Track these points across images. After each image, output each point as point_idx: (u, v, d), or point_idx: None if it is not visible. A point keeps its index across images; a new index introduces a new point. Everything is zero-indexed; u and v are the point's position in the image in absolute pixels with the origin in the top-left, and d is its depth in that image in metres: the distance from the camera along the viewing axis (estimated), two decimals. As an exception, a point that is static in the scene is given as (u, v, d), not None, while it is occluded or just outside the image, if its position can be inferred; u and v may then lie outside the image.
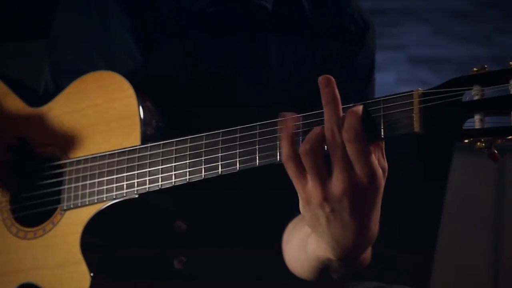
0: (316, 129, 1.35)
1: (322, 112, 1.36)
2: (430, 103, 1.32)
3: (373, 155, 1.34)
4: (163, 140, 1.57)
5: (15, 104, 1.77)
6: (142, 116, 1.61)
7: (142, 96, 1.63)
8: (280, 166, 1.40)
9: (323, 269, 1.52)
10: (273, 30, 1.75)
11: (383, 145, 1.38)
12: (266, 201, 1.74)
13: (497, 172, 3.44)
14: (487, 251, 3.46)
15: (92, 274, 1.59)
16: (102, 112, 1.65)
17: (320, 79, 1.35)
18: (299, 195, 1.38)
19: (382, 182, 1.36)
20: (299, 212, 1.61)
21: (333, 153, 1.34)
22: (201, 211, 1.70)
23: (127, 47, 1.73)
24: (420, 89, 1.35)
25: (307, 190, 1.36)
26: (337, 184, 1.33)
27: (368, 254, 1.51)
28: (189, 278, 1.69)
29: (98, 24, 1.76)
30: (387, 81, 3.82)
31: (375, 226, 1.40)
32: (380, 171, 1.35)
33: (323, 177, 1.34)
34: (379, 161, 1.36)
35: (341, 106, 1.35)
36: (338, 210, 1.35)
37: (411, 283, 1.76)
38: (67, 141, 1.68)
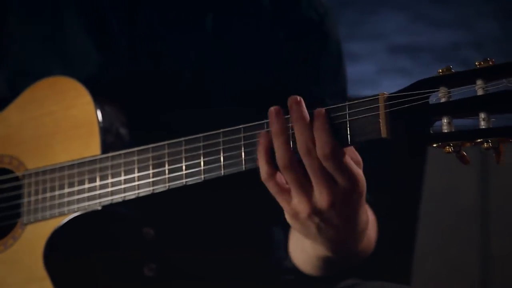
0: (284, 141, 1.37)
1: None
2: (396, 108, 1.33)
3: (349, 160, 1.36)
4: (126, 147, 1.57)
5: None
6: (101, 123, 1.61)
7: (101, 101, 1.63)
8: (254, 172, 1.42)
9: (328, 265, 1.58)
10: (234, 9, 1.76)
11: None
12: (234, 202, 1.76)
13: (481, 163, 3.47)
14: (474, 244, 3.49)
15: (57, 290, 1.60)
16: (59, 120, 1.65)
17: (290, 99, 1.36)
18: (284, 209, 1.41)
19: (362, 179, 1.38)
20: (269, 213, 1.64)
21: (311, 169, 1.36)
22: (168, 215, 1.71)
23: (85, 48, 1.74)
24: (385, 92, 1.36)
25: (293, 205, 1.38)
26: (322, 198, 1.36)
27: (367, 243, 1.57)
28: (161, 285, 1.70)
29: (53, 26, 1.77)
30: (367, 71, 3.83)
31: (364, 215, 1.44)
32: (359, 173, 1.37)
33: (308, 191, 1.37)
34: (354, 156, 1.38)
35: (308, 120, 1.36)
36: (327, 218, 1.38)
37: (392, 279, 1.78)
38: (24, 151, 1.68)
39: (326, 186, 1.35)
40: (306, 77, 1.78)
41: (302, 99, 1.36)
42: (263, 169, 1.38)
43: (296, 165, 1.36)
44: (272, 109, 1.37)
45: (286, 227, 1.86)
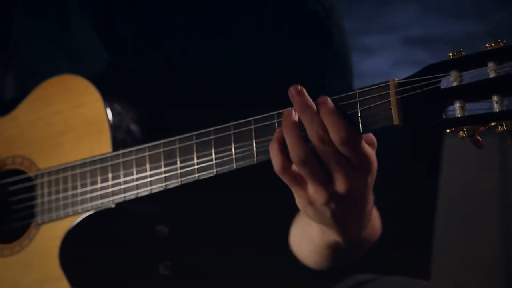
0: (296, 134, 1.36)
1: None
2: (407, 93, 1.32)
3: (363, 142, 1.35)
4: (136, 144, 1.57)
5: None
6: (111, 120, 1.61)
7: (110, 98, 1.63)
8: (267, 168, 1.41)
9: (336, 253, 1.57)
10: (239, 6, 1.76)
11: None
12: (249, 201, 1.75)
13: (500, 152, 3.45)
14: (495, 236, 3.46)
15: (73, 289, 1.61)
16: (69, 118, 1.65)
17: (290, 89, 1.36)
18: (299, 197, 1.40)
19: (375, 160, 1.37)
20: (283, 213, 1.63)
21: (326, 156, 1.35)
22: (182, 213, 1.71)
23: (93, 46, 1.74)
24: (396, 79, 1.35)
25: (309, 194, 1.38)
26: (340, 184, 1.35)
27: (372, 227, 1.56)
28: (177, 283, 1.70)
29: (61, 25, 1.77)
30: (382, 64, 3.82)
31: (371, 195, 1.43)
32: (373, 154, 1.36)
33: (325, 181, 1.36)
34: (366, 138, 1.37)
35: (315, 110, 1.36)
36: (344, 204, 1.38)
37: (410, 274, 1.77)
38: (35, 151, 1.69)
39: (343, 172, 1.34)
40: (312, 72, 1.77)
41: (302, 88, 1.35)
42: (277, 162, 1.37)
43: (311, 158, 1.35)
44: (285, 111, 1.36)
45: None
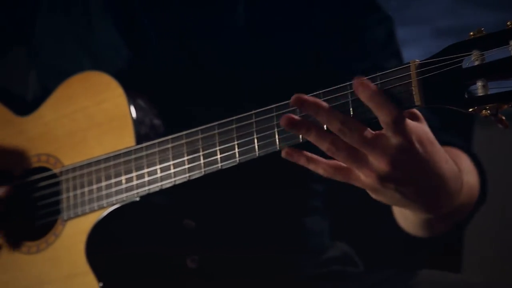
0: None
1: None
2: (428, 74, 1.32)
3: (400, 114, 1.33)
4: (160, 138, 1.58)
5: (3, 115, 1.80)
6: (134, 115, 1.63)
7: (133, 94, 1.64)
8: (290, 164, 1.41)
9: (436, 224, 1.54)
10: (265, 12, 1.76)
11: None
12: (274, 198, 1.75)
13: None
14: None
15: (101, 284, 1.61)
16: (92, 115, 1.67)
17: (293, 99, 1.35)
18: (365, 189, 1.39)
19: (419, 129, 1.34)
20: (309, 209, 1.63)
21: (353, 142, 1.33)
22: (208, 207, 1.71)
23: (114, 44, 1.75)
24: (417, 60, 1.35)
25: (364, 182, 1.36)
26: (379, 162, 1.33)
27: (468, 191, 1.53)
28: (205, 277, 1.71)
29: (82, 23, 1.79)
30: (413, 57, 3.78)
31: (446, 164, 1.39)
32: (409, 123, 1.33)
33: (366, 162, 1.34)
34: (405, 114, 1.34)
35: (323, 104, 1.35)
36: (400, 179, 1.35)
37: (441, 267, 1.75)
38: (60, 149, 1.71)
39: (375, 150, 1.32)
40: (349, 54, 1.75)
41: (299, 97, 1.34)
42: (324, 164, 1.36)
43: (341, 144, 1.34)
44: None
45: (323, 216, 1.85)
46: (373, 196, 1.40)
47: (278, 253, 1.78)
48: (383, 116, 1.31)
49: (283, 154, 1.39)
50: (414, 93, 1.32)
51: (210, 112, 1.58)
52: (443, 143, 1.41)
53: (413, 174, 1.35)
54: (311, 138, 1.35)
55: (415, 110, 1.37)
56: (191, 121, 1.56)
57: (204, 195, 1.69)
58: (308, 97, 1.35)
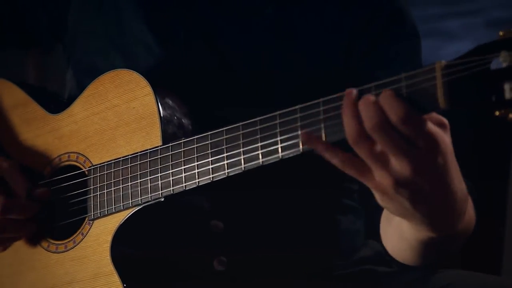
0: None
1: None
2: (454, 76, 1.29)
3: (428, 121, 1.31)
4: (187, 137, 1.58)
5: (35, 112, 1.82)
6: (161, 114, 1.63)
7: (161, 92, 1.64)
8: (324, 163, 1.39)
9: (431, 249, 1.53)
10: (298, 3, 1.74)
11: None
12: (309, 197, 1.74)
13: None
14: None
15: (125, 285, 1.62)
16: (121, 113, 1.68)
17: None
18: (372, 190, 1.38)
19: (446, 141, 1.33)
20: (344, 208, 1.61)
21: (383, 142, 1.32)
22: (236, 209, 1.71)
23: (144, 41, 1.75)
24: (443, 61, 1.32)
25: (377, 183, 1.35)
26: (402, 166, 1.32)
27: (468, 218, 1.51)
28: (232, 279, 1.70)
29: (112, 20, 1.79)
30: (465, 49, 3.72)
31: (460, 183, 1.39)
32: (440, 133, 1.32)
33: (386, 163, 1.33)
34: (432, 120, 1.33)
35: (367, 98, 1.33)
36: (417, 189, 1.34)
37: (480, 269, 1.73)
38: (89, 147, 1.72)
39: (403, 153, 1.30)
40: (375, 61, 1.74)
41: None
42: (336, 158, 1.35)
43: (365, 138, 1.32)
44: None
45: (358, 215, 1.83)
46: (380, 201, 1.37)
47: (310, 253, 1.76)
48: (392, 115, 1.30)
49: (302, 138, 1.37)
50: (438, 95, 1.29)
51: (237, 112, 1.57)
52: None
53: (431, 185, 1.33)
54: (347, 117, 1.34)
55: (445, 121, 1.35)
56: (219, 121, 1.55)
57: (233, 195, 1.68)
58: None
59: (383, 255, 1.81)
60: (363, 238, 1.85)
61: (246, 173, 1.52)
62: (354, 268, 1.78)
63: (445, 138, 1.33)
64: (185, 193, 1.59)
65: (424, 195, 1.34)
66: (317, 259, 1.76)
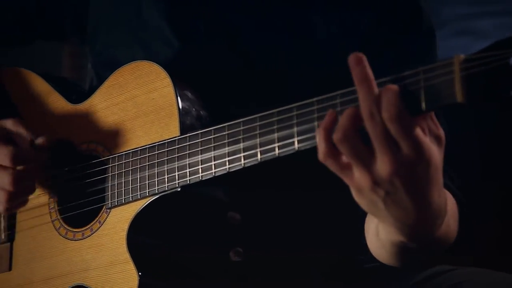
0: (348, 112, 1.33)
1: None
2: (473, 70, 1.28)
3: (418, 128, 1.31)
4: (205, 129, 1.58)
5: (57, 102, 1.84)
6: (180, 105, 1.63)
7: (181, 84, 1.65)
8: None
9: (404, 253, 1.52)
10: (316, 3, 1.74)
11: (432, 113, 1.35)
12: (325, 195, 1.73)
13: None
14: None
15: (140, 273, 1.63)
16: (141, 104, 1.69)
17: (350, 58, 1.32)
18: (349, 185, 1.37)
19: (434, 153, 1.33)
20: (359, 206, 1.60)
21: (374, 134, 1.31)
22: (255, 201, 1.71)
23: (163, 35, 1.76)
24: (462, 55, 1.31)
25: (355, 179, 1.35)
26: (384, 166, 1.31)
27: (446, 231, 1.50)
28: (248, 271, 1.70)
29: (133, 12, 1.80)
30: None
31: (438, 198, 1.38)
32: (427, 144, 1.31)
33: (367, 162, 1.32)
34: (431, 130, 1.33)
35: (375, 84, 1.33)
36: (392, 191, 1.33)
37: (499, 267, 1.71)
38: (108, 137, 1.73)
39: (387, 153, 1.30)
40: (389, 59, 1.73)
41: (364, 57, 1.32)
42: (321, 148, 1.34)
43: (351, 136, 1.32)
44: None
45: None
46: (356, 197, 1.37)
47: (329, 247, 1.76)
48: (383, 110, 1.30)
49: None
50: (456, 89, 1.28)
51: (254, 110, 1.56)
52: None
53: (407, 190, 1.33)
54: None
55: (442, 135, 1.34)
56: (235, 118, 1.55)
57: (253, 188, 1.68)
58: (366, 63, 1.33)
59: None
60: None
61: (268, 166, 1.51)
62: (373, 263, 1.78)
63: (432, 151, 1.32)
64: (202, 184, 1.59)
65: (398, 198, 1.34)
66: (336, 253, 1.75)
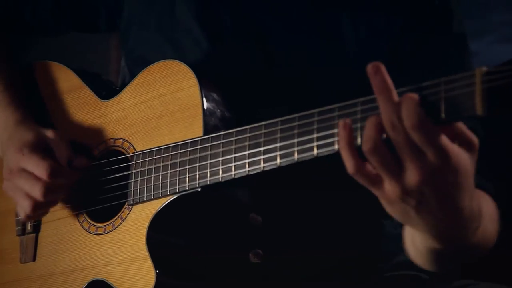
0: (372, 121, 1.32)
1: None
2: (494, 83, 1.26)
3: (443, 136, 1.30)
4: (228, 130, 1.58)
5: (87, 97, 1.85)
6: (205, 106, 1.64)
7: (207, 85, 1.65)
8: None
9: (441, 259, 1.52)
10: (345, 6, 1.73)
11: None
12: (348, 202, 1.72)
13: None
14: None
15: (157, 271, 1.63)
16: (167, 103, 1.69)
17: (369, 67, 1.31)
18: (379, 197, 1.37)
19: (462, 160, 1.32)
20: (382, 215, 1.60)
21: (398, 144, 1.31)
22: (277, 204, 1.70)
23: (193, 35, 1.76)
24: (484, 67, 1.29)
25: (386, 191, 1.34)
26: (412, 176, 1.31)
27: (483, 234, 1.49)
28: (267, 273, 1.70)
29: (165, 11, 1.81)
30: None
31: (470, 203, 1.37)
32: (454, 150, 1.30)
33: (396, 172, 1.32)
34: (461, 136, 1.32)
35: (395, 93, 1.32)
36: (423, 199, 1.33)
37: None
38: (134, 134, 1.74)
39: (414, 161, 1.29)
40: (419, 61, 1.72)
41: (382, 66, 1.31)
42: (350, 163, 1.34)
43: (381, 147, 1.31)
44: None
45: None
46: (387, 208, 1.36)
47: (350, 254, 1.75)
48: (405, 120, 1.29)
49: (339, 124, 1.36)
50: (477, 101, 1.27)
51: (280, 112, 1.56)
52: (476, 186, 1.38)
53: (437, 197, 1.32)
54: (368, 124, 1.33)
55: (475, 140, 1.33)
56: (261, 120, 1.55)
57: (276, 190, 1.68)
58: (384, 72, 1.32)
59: None
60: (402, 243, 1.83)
61: (291, 168, 1.51)
62: (393, 272, 1.77)
63: (461, 157, 1.31)
64: (224, 185, 1.60)
65: (429, 206, 1.34)
66: (357, 260, 1.74)
